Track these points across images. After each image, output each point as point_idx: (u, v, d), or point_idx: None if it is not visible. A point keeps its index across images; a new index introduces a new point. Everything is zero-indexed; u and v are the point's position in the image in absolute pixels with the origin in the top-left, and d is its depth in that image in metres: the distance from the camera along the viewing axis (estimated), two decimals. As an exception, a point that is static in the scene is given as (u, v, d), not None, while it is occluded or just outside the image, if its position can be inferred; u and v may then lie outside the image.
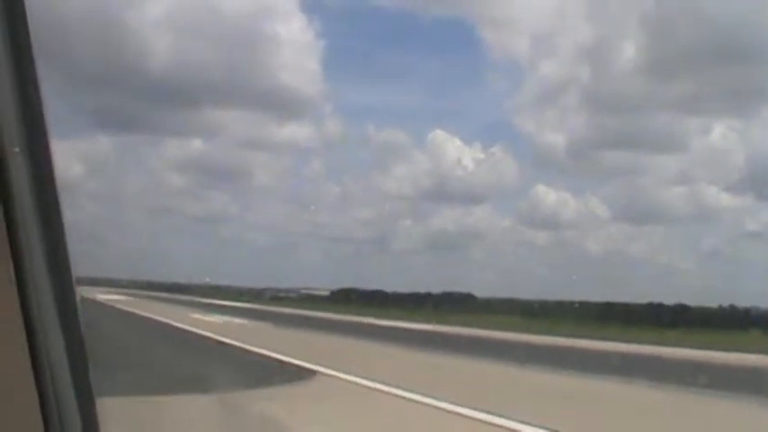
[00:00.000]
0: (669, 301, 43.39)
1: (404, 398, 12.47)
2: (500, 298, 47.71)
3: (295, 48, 56.13)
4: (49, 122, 2.05)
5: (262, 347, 19.48)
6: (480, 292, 47.22)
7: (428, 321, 36.25)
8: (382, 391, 13.14)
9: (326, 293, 52.32)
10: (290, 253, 58.86)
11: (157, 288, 56.67)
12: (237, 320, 32.26)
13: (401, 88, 65.36)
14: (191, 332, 25.03)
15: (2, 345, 1.93)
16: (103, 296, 47.42)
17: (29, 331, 1.95)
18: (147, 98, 49.93)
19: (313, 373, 15.10)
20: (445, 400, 11.86)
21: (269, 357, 17.97)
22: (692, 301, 40.94)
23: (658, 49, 50.13)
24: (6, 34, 1.96)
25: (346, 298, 49.19)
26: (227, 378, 13.89)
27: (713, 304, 40.18)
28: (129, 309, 36.26)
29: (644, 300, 43.76)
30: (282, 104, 56.71)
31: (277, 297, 53.40)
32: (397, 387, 13.12)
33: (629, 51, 57.96)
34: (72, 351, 2.07)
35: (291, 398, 12.67)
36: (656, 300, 41.76)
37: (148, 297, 46.58)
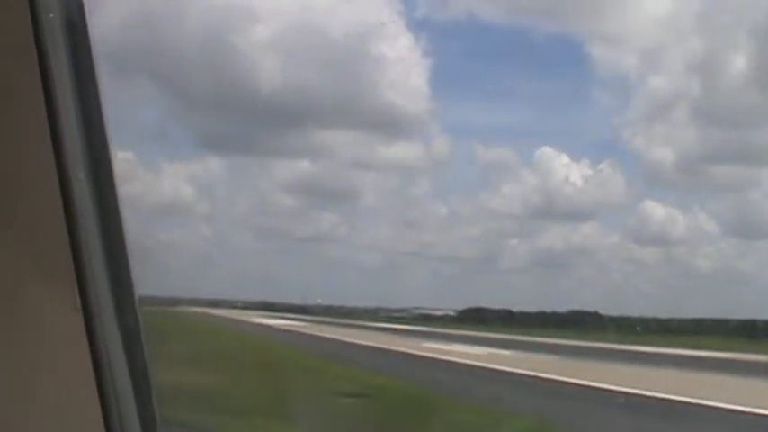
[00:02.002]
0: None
1: None
2: (625, 316, 50.73)
3: (402, 67, 57.48)
4: (113, 149, 2.13)
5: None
6: (594, 309, 50.56)
7: (599, 341, 39.27)
8: None
9: (452, 313, 54.45)
10: (398, 272, 59.59)
11: (276, 308, 57.29)
12: (505, 352, 32.68)
13: (509, 106, 64.68)
14: (559, 382, 22.20)
15: (68, 367, 2.02)
16: (267, 321, 47.82)
17: (93, 353, 2.03)
18: (256, 120, 51.35)
19: None
20: None
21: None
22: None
23: (770, 61, 50.70)
24: (71, 64, 2.04)
25: (477, 318, 51.65)
26: None
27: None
28: (366, 343, 35.96)
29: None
30: (390, 124, 58.17)
31: (393, 317, 55.05)
32: None
33: (739, 64, 55.53)
34: (135, 372, 2.17)
35: None
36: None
37: (305, 321, 47.58)
